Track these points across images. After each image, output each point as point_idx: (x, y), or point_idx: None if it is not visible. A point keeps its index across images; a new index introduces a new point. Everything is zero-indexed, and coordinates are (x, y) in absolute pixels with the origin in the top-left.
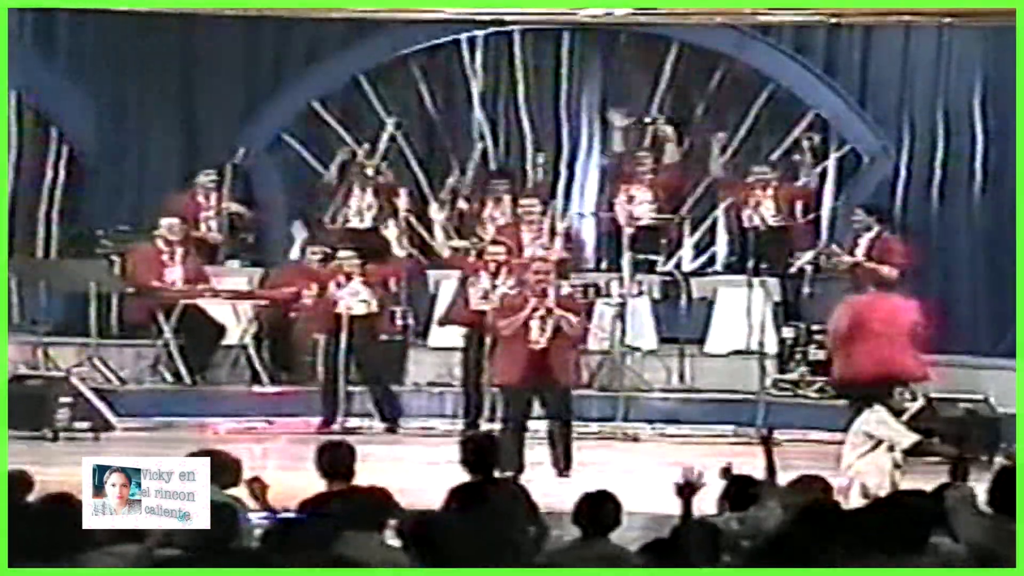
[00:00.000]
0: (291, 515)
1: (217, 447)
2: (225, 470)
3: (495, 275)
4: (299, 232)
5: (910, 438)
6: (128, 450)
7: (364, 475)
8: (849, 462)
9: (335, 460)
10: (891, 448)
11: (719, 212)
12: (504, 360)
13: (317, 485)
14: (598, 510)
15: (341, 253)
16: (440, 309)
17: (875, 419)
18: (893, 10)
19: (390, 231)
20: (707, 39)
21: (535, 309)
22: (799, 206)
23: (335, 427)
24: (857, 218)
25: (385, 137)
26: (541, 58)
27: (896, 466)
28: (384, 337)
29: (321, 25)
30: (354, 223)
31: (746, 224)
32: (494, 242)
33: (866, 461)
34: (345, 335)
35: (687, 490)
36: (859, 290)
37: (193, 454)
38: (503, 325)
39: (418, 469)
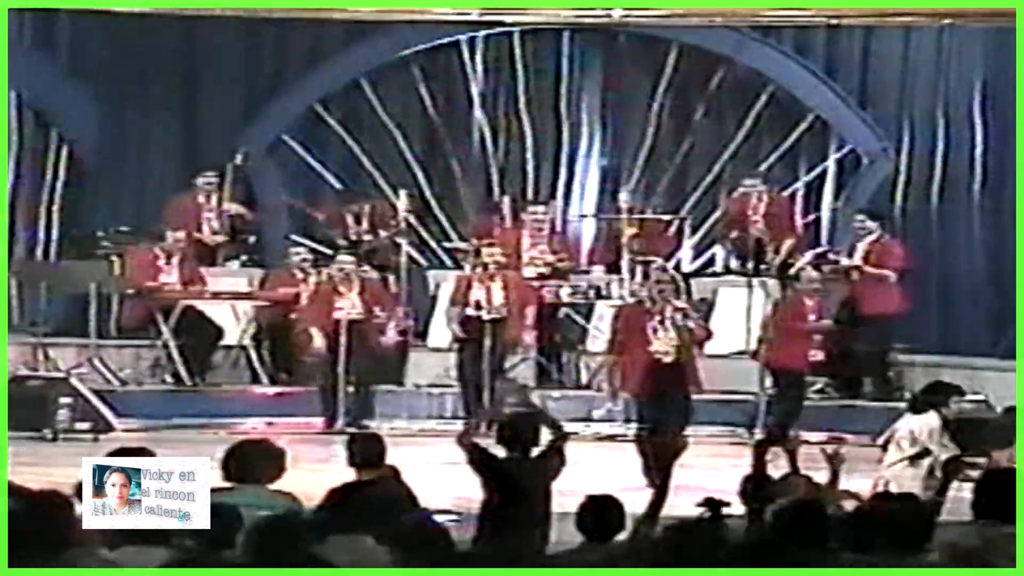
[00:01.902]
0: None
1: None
2: (269, 462)
3: (491, 278)
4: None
5: (949, 452)
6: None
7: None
8: (892, 462)
9: (365, 450)
10: (929, 457)
11: (717, 215)
12: (629, 370)
13: (319, 485)
14: (602, 514)
15: (340, 258)
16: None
17: (929, 427)
18: (893, 11)
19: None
20: (707, 40)
21: (659, 318)
22: (795, 213)
23: (336, 427)
24: (858, 223)
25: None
26: (541, 59)
27: (928, 476)
28: (382, 341)
29: (321, 26)
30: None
31: (739, 241)
32: (490, 244)
33: (902, 467)
34: (344, 338)
35: (712, 509)
36: (855, 293)
37: (234, 447)
38: (623, 338)
39: (418, 470)
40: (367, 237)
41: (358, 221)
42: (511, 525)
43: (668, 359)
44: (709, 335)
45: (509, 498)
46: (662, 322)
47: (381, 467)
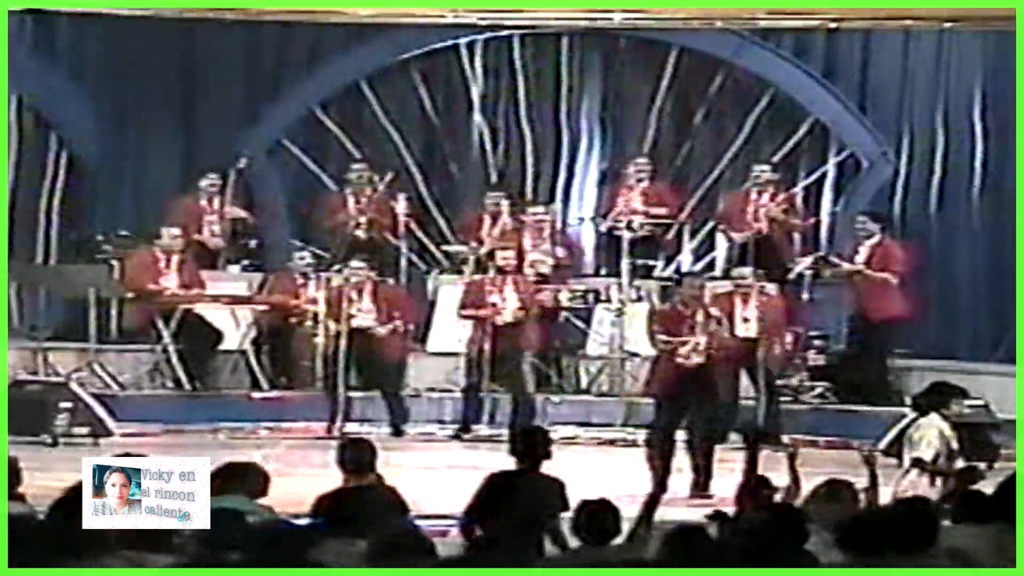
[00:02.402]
0: None
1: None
2: (251, 479)
3: (502, 284)
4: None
5: (960, 458)
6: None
7: None
8: (906, 468)
9: (357, 456)
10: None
11: (717, 217)
12: (659, 372)
13: (319, 488)
14: (597, 519)
15: (352, 263)
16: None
17: (936, 431)
18: (893, 14)
19: None
20: (707, 44)
21: (690, 324)
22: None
23: (334, 432)
24: (860, 225)
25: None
26: (541, 62)
27: (944, 482)
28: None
29: (321, 30)
30: (359, 233)
31: (743, 233)
32: (504, 247)
33: (915, 474)
34: (345, 343)
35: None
36: (859, 297)
37: (221, 468)
38: (662, 340)
39: (416, 474)
40: (368, 219)
41: (357, 201)
42: (508, 533)
43: (694, 364)
44: (736, 343)
45: (507, 511)
46: (693, 328)
47: (371, 473)
